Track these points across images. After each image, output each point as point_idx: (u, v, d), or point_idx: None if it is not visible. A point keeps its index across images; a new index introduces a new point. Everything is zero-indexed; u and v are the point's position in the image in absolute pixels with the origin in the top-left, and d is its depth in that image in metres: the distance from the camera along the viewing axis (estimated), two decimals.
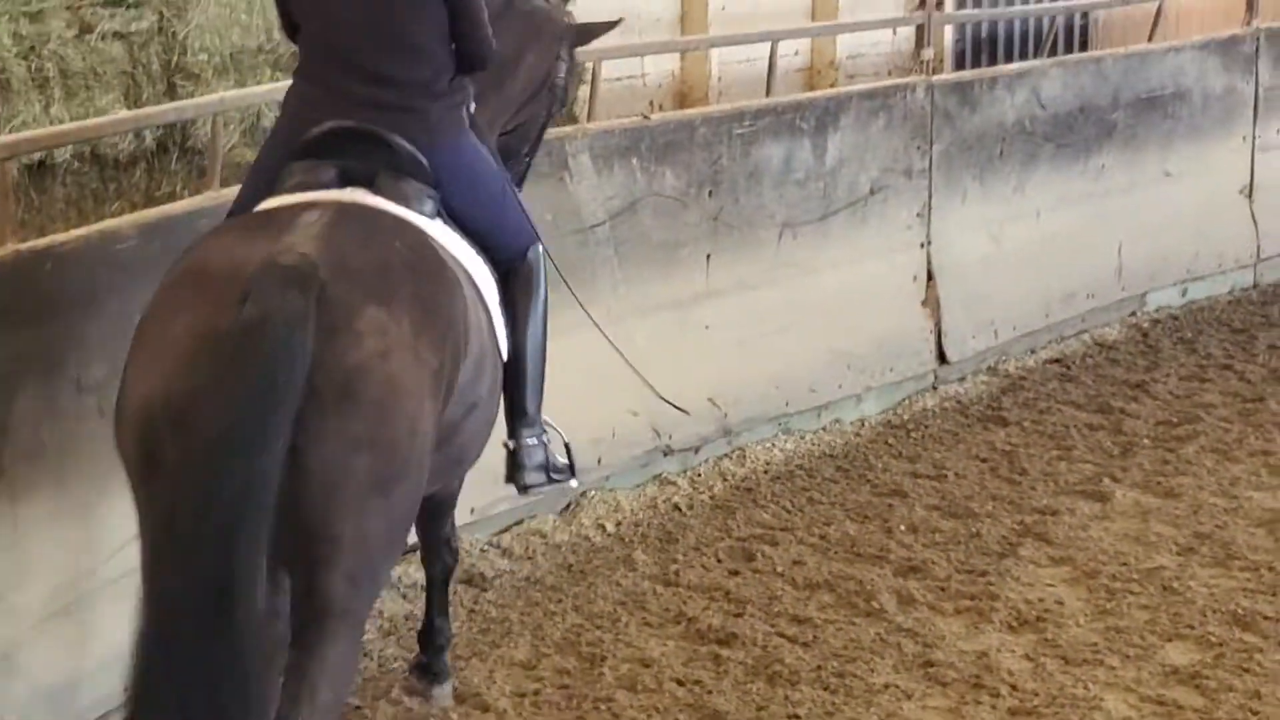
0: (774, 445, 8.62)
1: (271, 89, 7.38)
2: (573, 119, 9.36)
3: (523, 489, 5.81)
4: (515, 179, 5.97)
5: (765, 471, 8.42)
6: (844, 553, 7.43)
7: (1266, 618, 6.68)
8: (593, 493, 7.80)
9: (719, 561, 7.35)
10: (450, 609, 6.27)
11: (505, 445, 5.69)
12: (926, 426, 9.09)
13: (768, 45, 9.33)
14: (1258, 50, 11.61)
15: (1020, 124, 10.14)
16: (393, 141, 5.13)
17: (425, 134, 5.22)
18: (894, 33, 13.50)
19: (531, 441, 5.70)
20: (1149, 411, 9.24)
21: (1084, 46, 13.72)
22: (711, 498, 8.09)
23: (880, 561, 7.33)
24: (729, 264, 8.47)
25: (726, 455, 8.52)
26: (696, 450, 8.39)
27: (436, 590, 6.13)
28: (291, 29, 5.42)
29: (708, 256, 8.45)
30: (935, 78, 9.81)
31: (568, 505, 7.81)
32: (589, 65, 8.55)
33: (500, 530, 7.53)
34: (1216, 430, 8.92)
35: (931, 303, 9.64)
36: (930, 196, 9.63)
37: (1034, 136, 10.23)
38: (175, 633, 3.92)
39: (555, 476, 5.83)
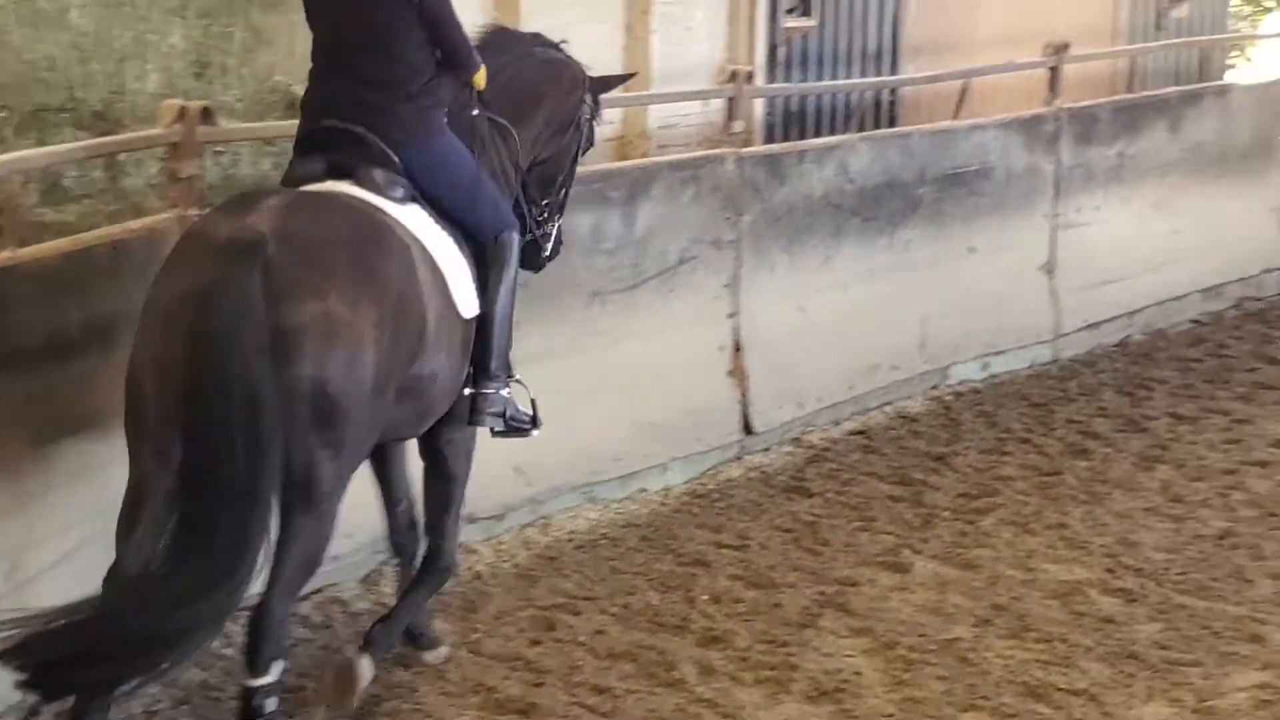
0: (579, 514, 8.63)
1: (72, 147, 7.29)
2: None
3: (480, 425, 6.69)
4: (556, 206, 7.18)
5: (569, 540, 8.41)
6: (646, 622, 7.44)
7: (1059, 689, 6.78)
8: (394, 561, 7.75)
9: (520, 631, 7.33)
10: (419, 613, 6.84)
11: (464, 392, 6.53)
12: (731, 496, 9.14)
13: None
14: (1059, 130, 11.84)
15: (828, 197, 10.26)
16: (368, 139, 6.23)
17: (399, 132, 6.28)
18: (705, 104, 13.60)
19: (490, 390, 6.59)
20: (949, 484, 9.36)
21: (892, 122, 13.92)
22: (515, 566, 8.07)
23: (682, 631, 7.35)
24: (536, 332, 8.46)
25: (531, 524, 8.50)
26: (500, 518, 8.37)
27: (414, 588, 6.80)
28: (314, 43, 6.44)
29: (515, 324, 8.43)
30: (745, 150, 9.91)
31: (368, 574, 7.75)
32: None
33: (299, 599, 7.44)
34: (1014, 503, 9.05)
35: (738, 373, 9.71)
36: (739, 267, 9.71)
37: (841, 210, 10.36)
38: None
39: (515, 424, 6.77)
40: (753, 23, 12.37)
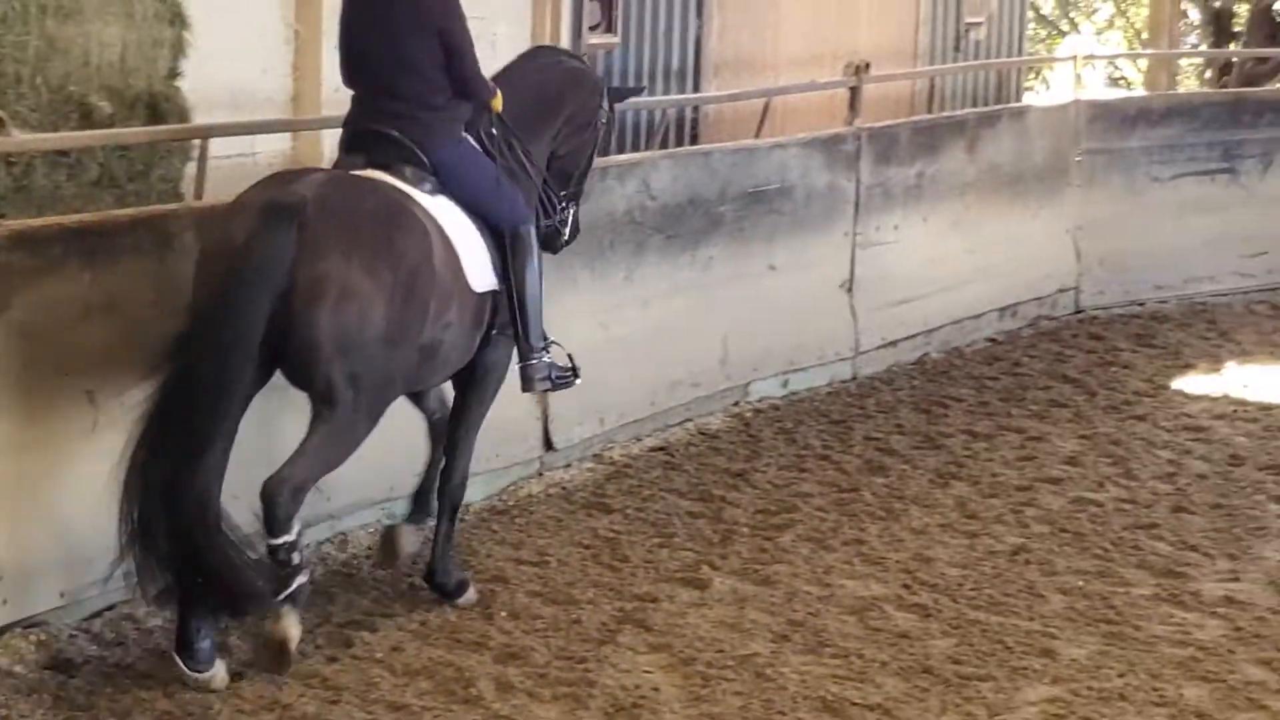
0: (377, 530, 8.55)
1: None
2: (177, 197, 9.23)
3: (532, 392, 8.25)
4: (571, 196, 8.32)
5: (367, 557, 8.35)
6: (444, 639, 7.41)
7: (854, 704, 6.83)
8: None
9: (317, 648, 7.25)
10: (450, 542, 7.92)
11: (516, 367, 7.93)
12: (531, 513, 9.12)
13: None
14: (859, 149, 11.97)
15: (630, 214, 10.29)
16: (401, 140, 7.46)
17: (425, 137, 7.50)
18: None
19: (534, 361, 7.91)
20: (748, 500, 9.42)
21: (694, 140, 14.00)
22: (312, 583, 7.97)
23: (480, 648, 7.32)
24: None
25: (328, 539, 8.43)
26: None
27: (439, 520, 7.93)
28: (343, 70, 7.71)
29: None
30: None
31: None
32: (198, 143, 8.45)
33: (90, 615, 7.32)
34: (812, 519, 9.13)
35: None
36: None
37: (644, 227, 10.39)
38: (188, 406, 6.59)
39: (559, 380, 8.09)
40: (555, 40, 12.38)
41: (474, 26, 7.66)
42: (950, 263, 12.84)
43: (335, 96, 12.30)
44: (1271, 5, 22.98)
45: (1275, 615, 7.95)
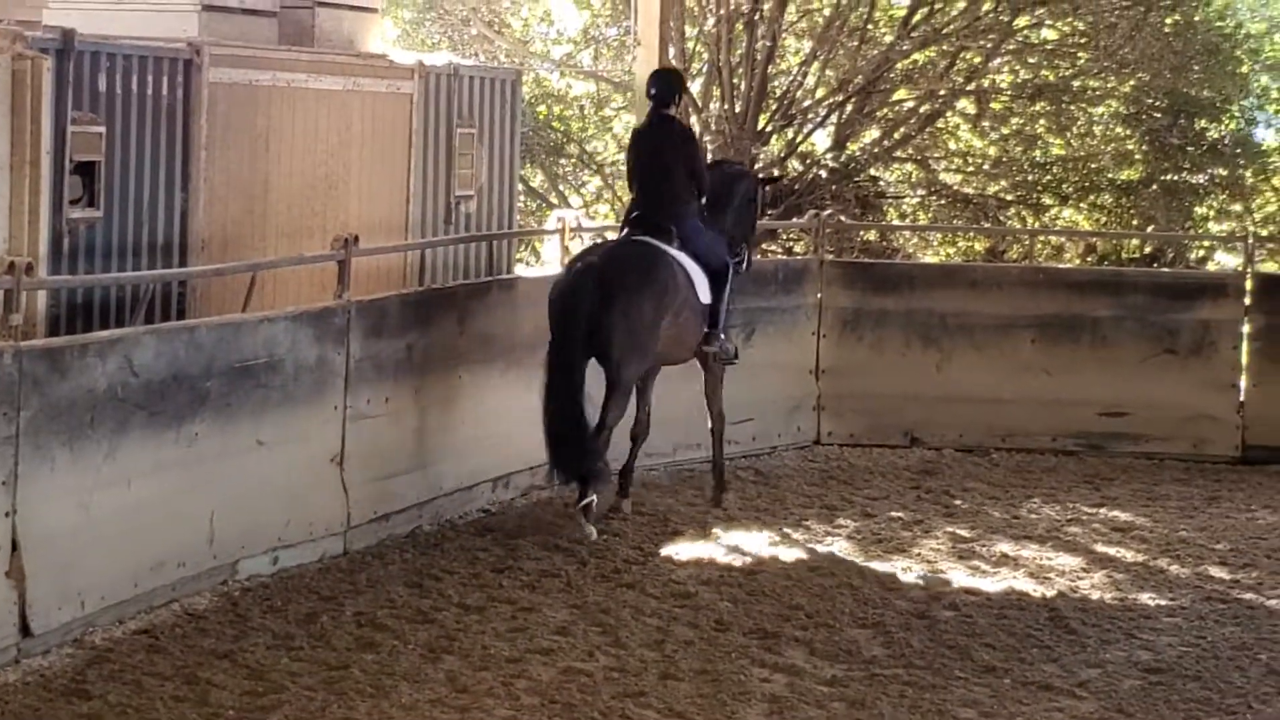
0: None
1: None
2: None
3: (713, 349, 13.68)
4: (742, 258, 14.06)
5: None
6: None
7: None
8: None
9: None
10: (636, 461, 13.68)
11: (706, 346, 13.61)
12: (7, 703, 8.75)
13: None
14: (349, 322, 11.96)
15: (112, 391, 10.03)
16: (660, 222, 13.14)
17: (675, 221, 13.17)
18: None
19: (721, 336, 13.59)
20: (235, 682, 9.21)
21: (181, 314, 13.74)
22: None
23: None
24: None
25: None
26: None
27: (636, 445, 13.74)
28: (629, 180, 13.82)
29: None
30: (24, 344, 9.61)
31: None
32: None
33: None
34: (300, 699, 8.98)
35: (16, 573, 9.34)
36: (17, 465, 9.37)
37: (126, 404, 10.14)
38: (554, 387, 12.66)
39: (726, 354, 13.81)
40: (35, 212, 12.04)
41: None
42: (443, 434, 12.92)
43: None
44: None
45: None
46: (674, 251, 12.93)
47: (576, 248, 14.82)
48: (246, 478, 11.04)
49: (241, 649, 9.77)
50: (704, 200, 13.40)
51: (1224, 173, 25.87)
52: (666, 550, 12.56)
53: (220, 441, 10.87)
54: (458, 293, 13.66)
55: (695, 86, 24.39)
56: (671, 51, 21.77)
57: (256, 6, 15.80)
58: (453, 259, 17.15)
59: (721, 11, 24.02)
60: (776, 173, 16.30)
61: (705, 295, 13.10)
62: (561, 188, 27.18)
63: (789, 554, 12.56)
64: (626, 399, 12.90)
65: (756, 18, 23.95)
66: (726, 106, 24.07)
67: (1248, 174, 26.18)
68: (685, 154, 13.16)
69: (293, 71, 14.93)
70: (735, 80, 24.07)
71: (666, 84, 13.55)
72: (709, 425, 14.12)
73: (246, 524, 11.03)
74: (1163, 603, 11.64)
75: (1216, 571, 12.50)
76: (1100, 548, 13.07)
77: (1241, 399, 16.64)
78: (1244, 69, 26.10)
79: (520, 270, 20.46)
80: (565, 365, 12.46)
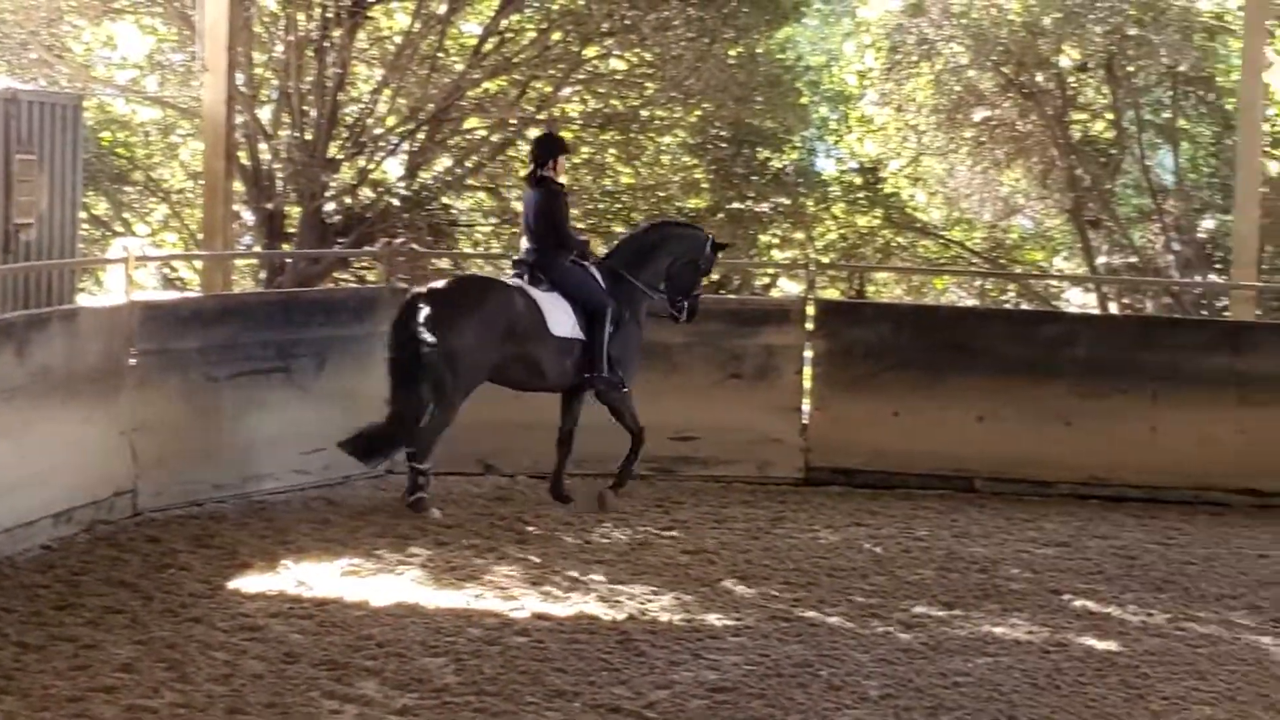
0: None
1: None
2: None
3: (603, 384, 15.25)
4: (690, 309, 15.79)
5: None
6: None
7: None
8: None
9: None
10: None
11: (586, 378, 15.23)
12: None
13: None
14: None
15: None
16: (532, 261, 15.13)
17: (543, 265, 15.09)
18: None
19: (606, 375, 15.12)
20: None
21: None
22: None
23: None
24: None
25: None
26: None
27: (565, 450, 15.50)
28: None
29: None
30: None
31: None
32: None
33: None
34: None
35: None
36: None
37: None
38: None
39: (621, 388, 15.29)
40: None
41: None
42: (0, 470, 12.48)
43: None
44: (322, 208, 23.74)
45: None
46: (530, 288, 14.96)
47: (141, 277, 14.48)
48: None
49: None
50: (564, 249, 15.19)
51: (787, 201, 26.57)
52: (234, 583, 12.34)
53: None
54: (16, 323, 13.23)
55: (264, 114, 24.13)
56: (240, 78, 21.50)
57: None
58: (11, 288, 16.66)
59: (290, 38, 23.78)
60: (725, 241, 16.80)
61: (568, 330, 14.93)
62: (126, 215, 26.59)
63: (360, 584, 12.46)
64: (449, 410, 14.67)
65: (326, 44, 23.78)
66: (297, 134, 23.83)
67: (809, 203, 26.96)
68: (550, 209, 15.17)
69: None
70: (305, 108, 23.84)
71: (542, 147, 15.69)
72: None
73: None
74: (729, 623, 11.86)
75: (781, 591, 12.77)
76: (670, 571, 13.25)
77: (805, 422, 17.09)
78: (804, 100, 26.80)
79: (82, 300, 19.95)
80: (404, 379, 14.62)
